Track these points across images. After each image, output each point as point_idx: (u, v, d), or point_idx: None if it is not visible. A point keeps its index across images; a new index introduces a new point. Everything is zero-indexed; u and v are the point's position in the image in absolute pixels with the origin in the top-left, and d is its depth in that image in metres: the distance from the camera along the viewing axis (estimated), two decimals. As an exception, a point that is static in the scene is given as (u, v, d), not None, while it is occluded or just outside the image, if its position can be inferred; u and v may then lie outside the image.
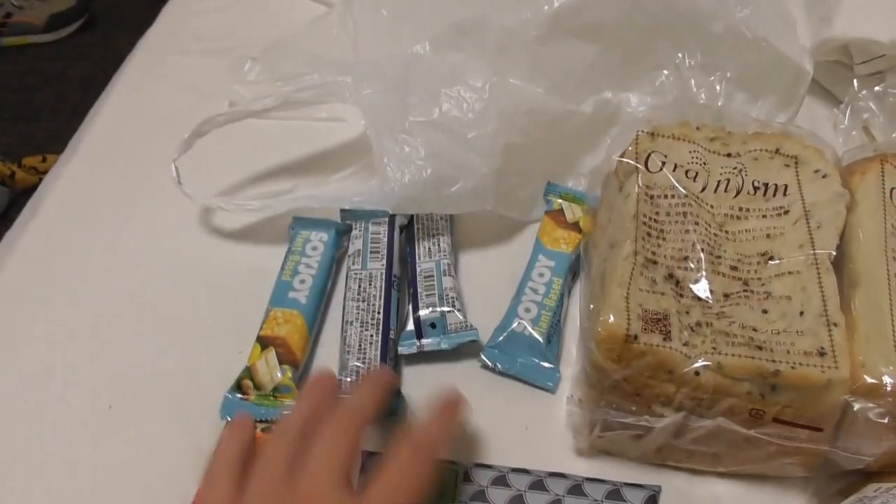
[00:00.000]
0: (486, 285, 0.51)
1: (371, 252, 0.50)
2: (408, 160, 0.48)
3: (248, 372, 0.44)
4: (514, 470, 0.42)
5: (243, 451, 0.37)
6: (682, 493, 0.41)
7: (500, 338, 0.46)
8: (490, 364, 0.46)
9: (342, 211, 0.52)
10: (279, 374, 0.44)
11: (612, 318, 0.36)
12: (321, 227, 0.52)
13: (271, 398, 0.44)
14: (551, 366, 0.46)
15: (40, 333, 0.50)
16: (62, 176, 0.61)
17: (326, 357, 0.48)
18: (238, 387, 0.44)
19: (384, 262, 0.49)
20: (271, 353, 0.45)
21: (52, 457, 0.44)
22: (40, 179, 0.62)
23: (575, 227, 0.51)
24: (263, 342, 0.45)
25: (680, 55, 0.51)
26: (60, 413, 0.45)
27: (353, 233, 0.51)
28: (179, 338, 0.49)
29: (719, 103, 0.47)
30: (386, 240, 0.50)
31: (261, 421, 0.43)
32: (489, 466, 0.42)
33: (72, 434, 0.45)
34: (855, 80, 0.55)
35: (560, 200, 0.52)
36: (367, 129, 0.49)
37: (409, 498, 0.34)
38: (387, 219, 0.51)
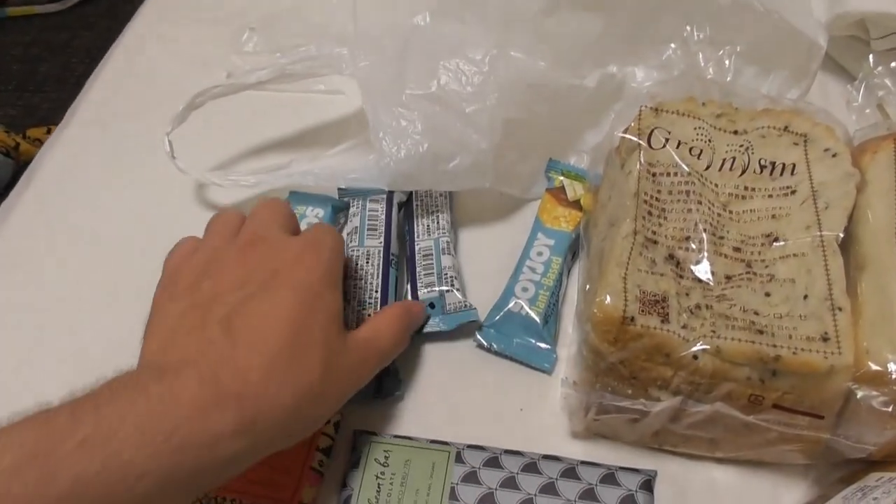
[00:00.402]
0: (485, 263, 0.50)
1: (368, 229, 0.49)
2: (404, 134, 0.46)
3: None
4: (508, 452, 0.41)
5: None
6: (678, 479, 0.41)
7: (497, 317, 0.45)
8: (486, 344, 0.45)
9: (340, 188, 0.51)
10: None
11: (608, 298, 0.35)
12: (318, 202, 0.51)
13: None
14: (548, 346, 0.45)
15: (29, 305, 0.49)
16: (58, 145, 0.60)
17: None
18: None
19: (382, 239, 0.48)
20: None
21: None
22: None
23: (576, 205, 0.49)
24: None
25: (688, 28, 0.49)
26: (48, 386, 0.45)
27: (351, 210, 0.50)
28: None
29: (728, 78, 0.46)
30: (384, 217, 0.49)
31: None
32: (482, 448, 0.41)
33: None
34: (871, 56, 0.53)
35: (561, 178, 0.51)
36: (363, 102, 0.47)
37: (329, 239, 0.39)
38: (385, 196, 0.50)
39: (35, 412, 0.29)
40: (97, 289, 0.50)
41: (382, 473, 0.40)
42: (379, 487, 0.40)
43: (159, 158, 0.52)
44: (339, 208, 0.51)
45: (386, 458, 0.41)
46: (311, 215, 0.50)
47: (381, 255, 0.47)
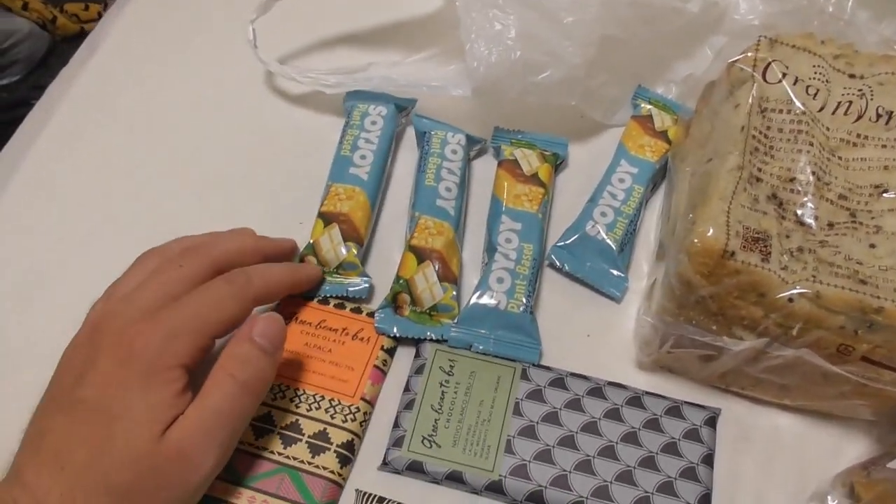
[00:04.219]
0: (559, 184, 0.49)
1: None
2: (497, 39, 0.44)
3: (312, 248, 0.43)
4: (573, 374, 0.41)
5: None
6: (741, 420, 0.40)
7: (571, 239, 0.44)
8: (557, 264, 0.44)
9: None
10: (344, 251, 0.42)
11: (711, 230, 0.34)
12: (379, 100, 0.49)
13: (336, 274, 0.43)
14: (621, 274, 0.44)
15: (93, 178, 0.48)
16: (124, 13, 0.58)
17: (388, 236, 0.46)
18: (301, 262, 0.43)
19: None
20: (335, 230, 0.43)
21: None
22: (81, 28, 0.59)
23: (662, 135, 0.48)
24: (326, 218, 0.43)
25: (806, -39, 0.46)
26: (106, 266, 0.44)
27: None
28: (238, 203, 0.48)
29: (845, 17, 0.43)
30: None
31: (330, 296, 0.43)
32: (548, 368, 0.41)
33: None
34: None
35: (649, 106, 0.49)
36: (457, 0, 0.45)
37: (204, 310, 0.35)
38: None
39: None
40: (161, 167, 0.49)
41: (447, 382, 0.40)
42: (443, 395, 0.40)
43: (229, 37, 0.50)
44: (401, 107, 0.49)
45: (451, 367, 0.41)
46: (374, 113, 0.48)
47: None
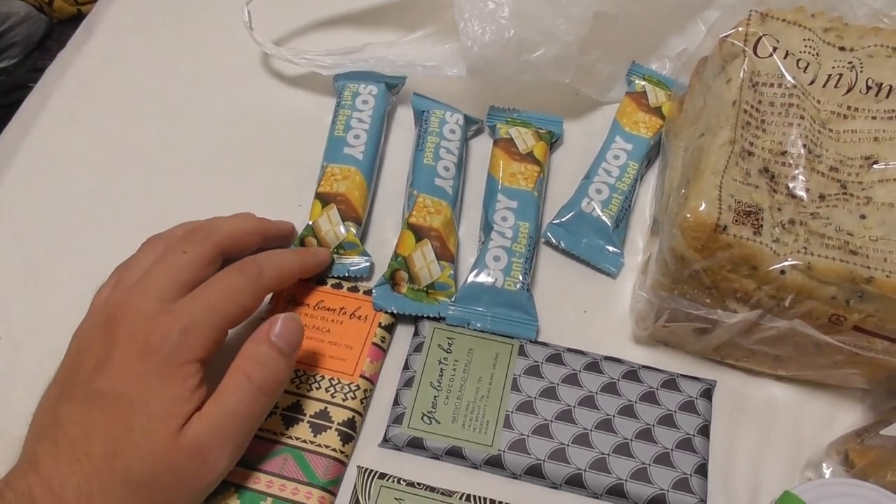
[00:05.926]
0: (555, 162, 0.49)
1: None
2: (491, 17, 0.44)
3: (311, 229, 0.43)
4: (570, 350, 0.41)
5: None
6: (735, 392, 0.41)
7: (567, 216, 0.45)
8: (553, 241, 0.45)
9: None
10: (343, 231, 0.43)
11: (703, 205, 0.35)
12: (369, 79, 0.49)
13: (336, 254, 0.43)
14: (617, 250, 0.44)
15: (92, 160, 0.49)
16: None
17: (382, 215, 0.47)
18: (301, 244, 0.43)
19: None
20: (333, 210, 0.43)
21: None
22: (79, 10, 0.59)
23: (657, 111, 0.48)
24: (323, 199, 0.44)
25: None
26: (111, 245, 0.45)
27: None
28: (235, 186, 0.48)
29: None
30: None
31: (330, 277, 0.43)
32: (545, 344, 0.41)
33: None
34: None
35: (643, 82, 0.49)
36: (451, -22, 0.45)
37: (219, 303, 0.35)
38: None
39: None
40: (153, 154, 0.49)
41: (445, 359, 0.41)
42: (441, 372, 0.40)
43: (225, 22, 0.50)
44: (391, 85, 0.49)
45: (449, 344, 0.41)
46: (365, 93, 0.48)
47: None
